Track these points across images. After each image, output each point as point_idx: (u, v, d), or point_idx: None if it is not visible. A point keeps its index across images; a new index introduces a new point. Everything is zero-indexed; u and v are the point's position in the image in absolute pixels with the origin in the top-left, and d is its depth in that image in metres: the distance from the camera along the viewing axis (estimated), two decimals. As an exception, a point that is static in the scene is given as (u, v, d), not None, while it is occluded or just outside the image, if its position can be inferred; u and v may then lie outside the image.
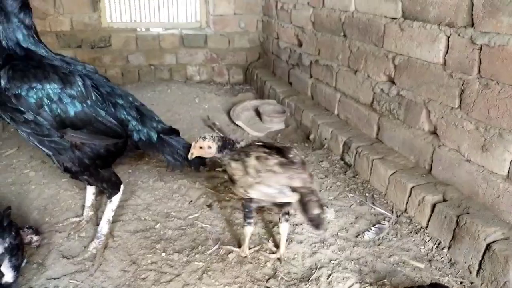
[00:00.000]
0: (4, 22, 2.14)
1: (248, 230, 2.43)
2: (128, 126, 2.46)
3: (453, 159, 2.77)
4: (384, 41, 3.40)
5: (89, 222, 2.72)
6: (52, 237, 2.58)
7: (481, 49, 2.47)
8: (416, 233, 2.75)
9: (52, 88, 2.13)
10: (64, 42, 5.92)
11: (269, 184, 2.15)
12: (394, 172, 3.08)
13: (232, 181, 2.33)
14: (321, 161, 3.72)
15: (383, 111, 3.49)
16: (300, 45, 5.03)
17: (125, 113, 2.45)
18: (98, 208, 2.87)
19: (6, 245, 2.04)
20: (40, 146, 2.25)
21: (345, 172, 3.54)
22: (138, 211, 2.89)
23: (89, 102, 2.26)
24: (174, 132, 2.70)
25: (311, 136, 4.25)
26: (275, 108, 4.79)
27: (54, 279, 2.25)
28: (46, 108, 2.13)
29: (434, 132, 2.98)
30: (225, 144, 2.39)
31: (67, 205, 2.94)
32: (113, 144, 2.41)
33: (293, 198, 2.14)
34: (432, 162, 2.98)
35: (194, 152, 2.42)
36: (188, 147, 2.70)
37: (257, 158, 2.21)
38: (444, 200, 2.71)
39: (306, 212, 2.10)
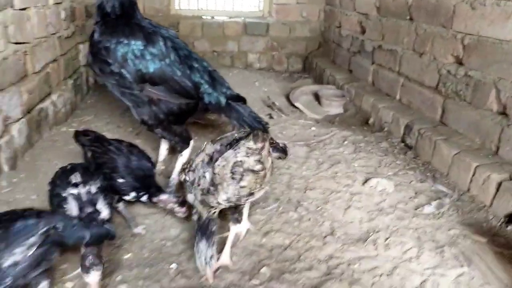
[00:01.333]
0: None
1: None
2: (200, 88, 2.65)
3: (523, 138, 2.70)
4: (453, 22, 3.36)
5: (160, 175, 2.95)
6: (128, 186, 2.83)
7: (561, 21, 2.39)
8: (479, 210, 2.70)
9: (136, 44, 2.37)
10: (137, 27, 6.33)
11: None
12: (458, 152, 3.04)
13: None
14: (380, 142, 3.73)
15: (448, 93, 3.44)
16: (363, 32, 5.04)
17: (199, 76, 2.64)
18: (168, 165, 3.10)
19: (99, 185, 2.16)
20: (122, 98, 2.50)
21: (405, 153, 3.53)
22: (204, 170, 3.08)
23: (167, 61, 2.48)
24: (241, 99, 2.86)
25: (371, 120, 4.26)
26: (334, 92, 4.84)
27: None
28: (129, 62, 2.37)
29: (503, 113, 2.91)
30: (210, 229, 2.08)
31: (140, 161, 3.19)
32: (185, 104, 2.61)
33: None
34: (499, 143, 2.91)
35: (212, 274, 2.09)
36: (253, 115, 2.85)
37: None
38: (511, 179, 2.65)
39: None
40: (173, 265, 2.14)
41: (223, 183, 1.98)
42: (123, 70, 2.39)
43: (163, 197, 2.39)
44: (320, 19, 6.45)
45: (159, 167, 2.99)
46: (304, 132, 3.96)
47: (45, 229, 1.72)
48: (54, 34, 3.94)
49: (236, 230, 2.28)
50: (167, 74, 2.49)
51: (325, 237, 2.41)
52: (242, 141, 2.03)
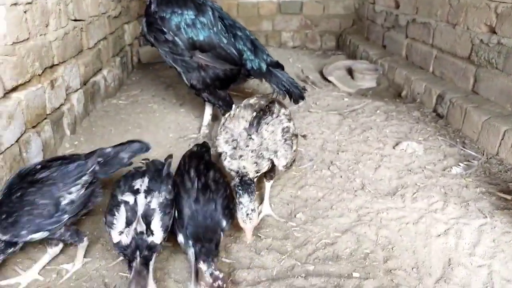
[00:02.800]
0: None
1: None
2: (243, 55, 2.89)
3: (553, 101, 2.77)
4: (487, -9, 3.41)
5: (205, 138, 3.23)
6: (176, 146, 3.13)
7: None
8: (506, 172, 2.82)
9: (189, 14, 2.63)
10: (176, 8, 6.63)
11: None
12: (488, 118, 3.13)
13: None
14: (412, 112, 3.85)
15: (481, 62, 3.50)
16: (397, 6, 5.09)
17: (242, 43, 2.88)
18: (211, 130, 3.39)
19: (161, 200, 1.82)
20: (174, 64, 2.78)
21: (437, 121, 3.64)
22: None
23: (215, 29, 2.73)
24: (280, 66, 3.08)
25: (403, 93, 4.36)
26: (367, 66, 4.95)
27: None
28: (182, 30, 2.63)
29: (535, 78, 2.97)
30: (252, 186, 2.10)
31: (185, 127, 3.51)
32: (230, 70, 2.87)
33: None
34: (530, 108, 2.98)
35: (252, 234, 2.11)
36: (291, 80, 3.07)
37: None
38: (540, 141, 2.73)
39: None
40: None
41: (280, 149, 2.13)
42: (176, 38, 2.66)
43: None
44: (354, -4, 6.50)
45: (203, 130, 3.27)
46: (337, 103, 4.14)
47: (92, 166, 1.91)
48: (104, 13, 4.28)
49: (270, 184, 2.45)
50: (215, 42, 2.74)
51: (355, 191, 2.62)
52: (275, 108, 2.23)
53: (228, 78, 2.88)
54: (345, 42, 6.42)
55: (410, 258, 2.08)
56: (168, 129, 3.46)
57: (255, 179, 2.17)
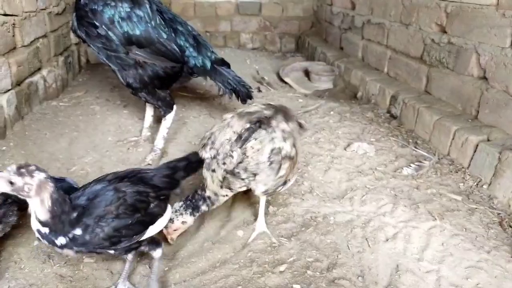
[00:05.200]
0: None
1: None
2: (185, 52, 2.70)
3: (500, 100, 2.74)
4: (437, -10, 3.38)
5: (146, 141, 3.01)
6: (113, 150, 2.89)
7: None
8: (457, 172, 2.76)
9: (123, 6, 2.41)
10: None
11: None
12: (440, 118, 3.08)
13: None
14: (366, 112, 3.77)
15: (432, 61, 3.47)
16: (353, 7, 5.05)
17: (184, 39, 2.68)
18: (153, 133, 3.16)
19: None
20: (107, 62, 2.54)
21: (390, 122, 3.57)
22: (189, 137, 3.15)
23: (153, 23, 2.52)
24: (226, 64, 2.91)
25: (359, 94, 4.30)
26: (324, 68, 4.87)
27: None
28: (116, 24, 2.41)
29: (483, 77, 2.94)
30: (195, 204, 1.98)
31: (127, 129, 3.26)
32: (171, 67, 2.66)
33: None
34: (479, 107, 2.95)
35: (172, 237, 2.02)
36: (237, 79, 2.90)
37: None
38: (488, 140, 2.69)
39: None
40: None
41: (260, 173, 1.83)
42: (110, 33, 2.43)
43: None
44: (313, -2, 6.45)
45: (145, 133, 3.05)
46: (291, 104, 4.01)
47: None
48: (44, 9, 3.98)
49: (264, 199, 2.13)
50: (153, 37, 2.53)
51: (303, 194, 2.47)
52: (274, 121, 1.90)
53: (169, 76, 2.68)
54: (304, 44, 6.35)
55: (356, 266, 1.94)
56: (108, 132, 3.21)
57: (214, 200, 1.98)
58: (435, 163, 2.87)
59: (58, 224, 1.48)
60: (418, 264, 1.97)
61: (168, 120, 2.79)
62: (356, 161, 2.87)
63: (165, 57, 2.60)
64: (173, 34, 2.63)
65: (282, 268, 1.89)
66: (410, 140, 3.21)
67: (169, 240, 2.01)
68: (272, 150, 1.83)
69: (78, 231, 1.51)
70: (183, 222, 1.97)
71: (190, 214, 1.98)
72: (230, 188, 1.93)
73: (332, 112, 3.76)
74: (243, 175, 1.85)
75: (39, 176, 1.42)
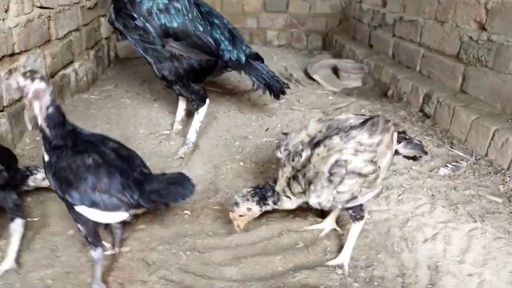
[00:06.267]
0: None
1: None
2: (221, 45, 2.68)
3: (545, 100, 2.63)
4: (477, -14, 3.27)
5: (177, 135, 3.01)
6: (146, 143, 2.91)
7: None
8: (496, 173, 2.66)
9: None
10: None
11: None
12: (477, 118, 2.98)
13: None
14: (398, 111, 3.69)
15: (470, 59, 3.36)
16: (384, 5, 4.96)
17: (219, 32, 2.66)
18: (184, 126, 3.17)
19: None
20: (144, 54, 2.55)
21: (423, 121, 3.48)
22: (219, 131, 3.14)
23: (190, 16, 2.51)
24: (260, 58, 2.88)
25: (389, 92, 4.21)
26: (353, 65, 4.79)
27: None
28: (154, 16, 2.41)
29: (526, 76, 2.83)
30: (263, 193, 1.87)
31: (158, 123, 3.28)
32: (205, 61, 2.65)
33: None
34: (520, 107, 2.84)
35: (239, 224, 1.92)
36: (271, 73, 2.87)
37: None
38: (531, 142, 2.59)
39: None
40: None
41: (316, 182, 1.69)
42: (147, 24, 2.43)
43: None
44: (341, -5, 6.36)
45: (177, 126, 3.05)
46: (321, 101, 3.96)
47: None
48: (77, 3, 4.03)
49: (359, 227, 1.90)
50: (190, 29, 2.52)
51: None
52: (354, 131, 1.71)
53: (203, 69, 2.67)
54: (331, 41, 6.27)
55: (395, 266, 1.89)
56: (140, 124, 3.23)
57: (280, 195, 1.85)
58: (473, 164, 2.78)
59: (46, 138, 1.62)
60: (459, 267, 1.90)
61: (201, 113, 2.79)
62: (391, 159, 2.80)
63: (201, 50, 2.59)
64: (209, 27, 2.62)
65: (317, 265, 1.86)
66: (445, 140, 3.12)
67: (235, 227, 1.92)
68: (336, 162, 1.67)
69: (52, 158, 1.62)
70: (248, 209, 1.86)
71: (257, 203, 1.86)
72: (292, 191, 1.82)
73: (363, 110, 3.69)
74: (301, 181, 1.75)
75: (39, 84, 1.57)
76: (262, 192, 1.86)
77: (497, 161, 2.75)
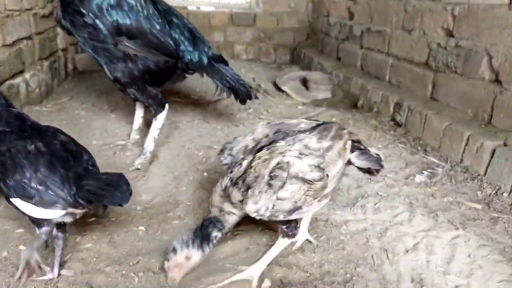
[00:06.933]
0: None
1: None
2: (180, 46, 2.48)
3: (517, 103, 2.57)
4: (443, -7, 3.26)
5: (134, 145, 2.75)
6: (99, 154, 2.62)
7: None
8: (473, 180, 2.55)
9: None
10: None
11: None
12: (450, 124, 2.90)
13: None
14: (369, 120, 3.58)
15: (439, 66, 3.32)
16: (351, 17, 4.94)
17: (179, 32, 2.47)
18: (142, 136, 2.91)
19: None
20: (94, 54, 2.31)
21: (395, 130, 3.38)
22: (182, 141, 2.90)
23: (145, 13, 2.30)
24: (224, 61, 2.70)
25: (359, 103, 4.12)
26: (322, 77, 4.71)
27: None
28: (105, 12, 2.19)
29: (495, 80, 2.78)
30: (204, 233, 1.62)
31: (114, 133, 3.01)
32: (164, 62, 2.44)
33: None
34: (492, 111, 2.78)
35: (173, 277, 1.61)
36: (236, 77, 2.69)
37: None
38: (505, 145, 2.51)
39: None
40: (142, 228, 1.94)
41: (255, 187, 1.49)
42: (97, 21, 2.20)
43: None
44: (308, 9, 6.35)
45: (134, 136, 2.79)
46: (291, 110, 3.81)
47: None
48: (29, 9, 3.76)
49: (284, 244, 1.70)
50: (145, 27, 2.31)
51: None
52: (302, 134, 1.57)
53: (161, 71, 2.45)
54: (299, 55, 6.22)
55: (376, 280, 1.69)
56: (93, 135, 2.95)
57: (223, 223, 1.62)
58: (449, 171, 2.67)
59: None
60: (444, 278, 1.73)
61: (159, 120, 2.55)
62: (364, 167, 2.65)
63: (158, 50, 2.38)
64: (167, 26, 2.42)
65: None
66: (419, 148, 3.02)
67: (168, 280, 1.62)
68: (277, 164, 1.50)
69: None
70: (186, 258, 1.59)
71: (198, 248, 1.59)
72: (231, 202, 1.58)
73: (334, 119, 3.56)
74: (241, 187, 1.53)
75: None
76: (203, 232, 1.61)
77: (472, 167, 2.65)
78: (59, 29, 4.61)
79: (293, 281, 1.64)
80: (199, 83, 4.14)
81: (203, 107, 3.69)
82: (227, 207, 1.60)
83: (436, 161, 2.79)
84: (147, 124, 2.92)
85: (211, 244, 1.63)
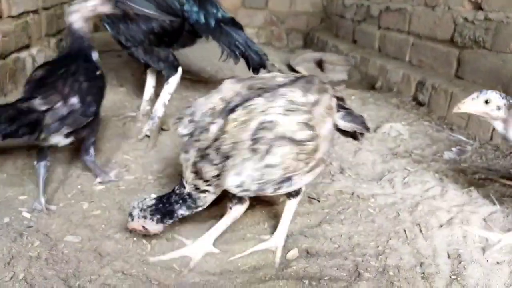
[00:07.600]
0: None
1: None
2: (184, 5, 2.32)
3: (555, 75, 2.39)
4: (471, -36, 3.08)
5: (145, 116, 2.61)
6: (107, 126, 2.49)
7: None
8: (504, 157, 2.39)
9: None
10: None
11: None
12: (478, 101, 2.72)
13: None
14: (390, 99, 3.41)
15: (465, 42, 3.13)
16: (369, -3, 4.76)
17: None
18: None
19: None
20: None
21: (418, 109, 3.22)
22: (195, 114, 2.75)
23: None
24: (236, 24, 2.54)
25: (378, 84, 3.95)
26: (338, 58, 4.54)
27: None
28: None
29: (529, 53, 2.60)
30: (167, 209, 1.43)
31: (123, 106, 2.87)
32: (169, 22, 2.28)
33: None
34: (525, 86, 2.60)
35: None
36: (249, 43, 2.53)
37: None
38: (542, 121, 2.33)
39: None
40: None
41: (236, 155, 1.25)
42: None
43: None
44: (323, -8, 6.16)
45: (144, 107, 2.65)
46: (307, 89, 3.64)
47: None
48: (37, -18, 3.63)
49: (294, 205, 1.51)
50: None
51: (333, 175, 2.08)
52: (283, 88, 1.34)
53: (166, 32, 2.29)
54: (312, 40, 6.03)
55: (410, 254, 1.54)
56: (101, 108, 2.81)
57: (196, 200, 1.39)
58: (478, 148, 2.50)
59: None
60: (484, 254, 1.58)
61: (172, 84, 2.39)
62: (389, 143, 2.50)
63: (160, 8, 2.22)
64: None
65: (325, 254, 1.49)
66: (444, 126, 2.85)
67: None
68: (261, 124, 1.25)
69: None
70: (143, 228, 1.43)
71: (158, 222, 1.42)
72: (203, 179, 1.33)
73: (353, 97, 3.40)
74: (215, 158, 1.28)
75: None
76: (166, 207, 1.41)
77: (503, 145, 2.48)
78: (67, 7, 4.48)
79: (321, 251, 1.49)
80: (209, 62, 4.00)
81: (214, 84, 3.51)
82: (201, 185, 1.35)
83: (464, 139, 2.63)
84: (158, 95, 2.79)
85: (174, 219, 1.44)
